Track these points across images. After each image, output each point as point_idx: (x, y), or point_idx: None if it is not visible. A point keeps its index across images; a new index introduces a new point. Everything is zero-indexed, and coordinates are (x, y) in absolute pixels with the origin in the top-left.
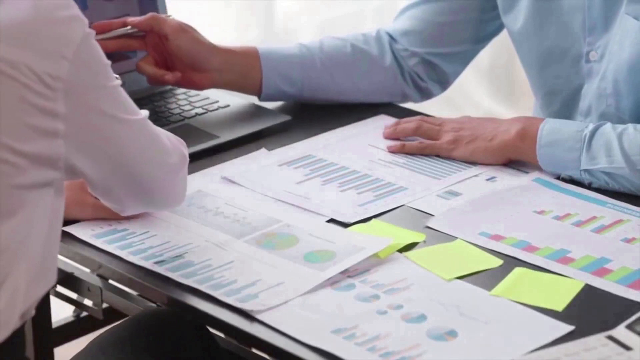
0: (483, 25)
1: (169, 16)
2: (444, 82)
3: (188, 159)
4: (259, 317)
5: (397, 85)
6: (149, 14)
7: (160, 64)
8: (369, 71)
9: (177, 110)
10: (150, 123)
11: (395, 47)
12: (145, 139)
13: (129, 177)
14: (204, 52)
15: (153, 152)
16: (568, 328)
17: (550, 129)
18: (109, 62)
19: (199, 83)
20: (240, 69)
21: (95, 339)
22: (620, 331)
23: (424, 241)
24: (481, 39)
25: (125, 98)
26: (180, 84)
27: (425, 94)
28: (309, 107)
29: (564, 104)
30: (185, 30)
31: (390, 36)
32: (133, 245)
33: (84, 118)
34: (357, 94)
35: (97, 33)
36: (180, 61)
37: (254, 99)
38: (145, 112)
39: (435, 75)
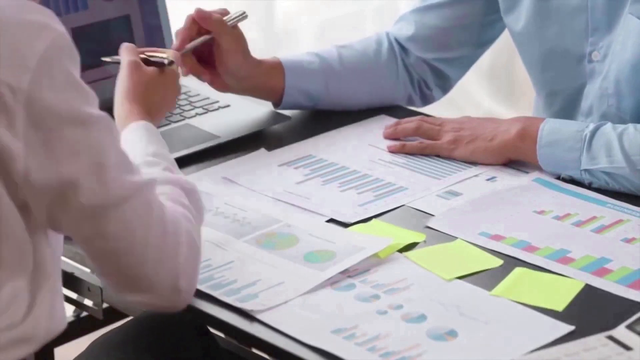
0: (485, 28)
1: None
2: (446, 87)
3: (197, 242)
4: (259, 317)
5: (405, 94)
6: (217, 17)
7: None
8: (383, 84)
9: (177, 110)
10: (147, 190)
11: (404, 56)
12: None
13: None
14: (247, 70)
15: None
16: (568, 328)
17: (551, 129)
18: (89, 91)
19: (216, 85)
20: (265, 88)
21: (96, 339)
22: (620, 331)
23: (424, 241)
24: (484, 43)
25: (114, 148)
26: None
27: (429, 100)
28: None
29: (565, 104)
30: (238, 50)
31: (400, 45)
32: None
33: (44, 139)
34: (367, 104)
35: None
36: (217, 62)
37: (254, 99)
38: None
39: (439, 81)
